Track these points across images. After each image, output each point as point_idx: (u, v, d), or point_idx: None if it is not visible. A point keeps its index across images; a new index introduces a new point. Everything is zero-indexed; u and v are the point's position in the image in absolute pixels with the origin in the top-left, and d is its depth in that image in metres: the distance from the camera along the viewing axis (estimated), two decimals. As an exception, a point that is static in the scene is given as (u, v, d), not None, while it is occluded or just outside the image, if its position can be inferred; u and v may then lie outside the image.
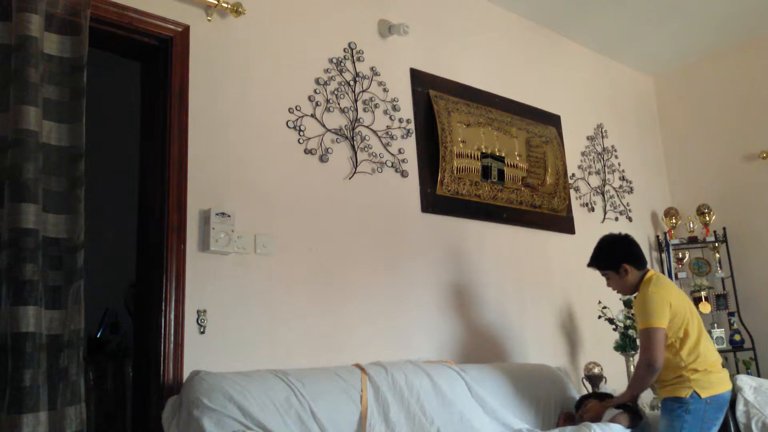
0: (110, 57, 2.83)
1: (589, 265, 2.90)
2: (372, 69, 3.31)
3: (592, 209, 4.40)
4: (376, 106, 3.27)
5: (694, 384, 2.57)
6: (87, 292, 2.09)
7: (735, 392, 3.31)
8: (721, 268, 4.65)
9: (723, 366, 2.72)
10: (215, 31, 2.79)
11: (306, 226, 2.88)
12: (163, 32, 2.64)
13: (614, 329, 3.77)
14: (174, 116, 2.59)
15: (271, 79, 2.93)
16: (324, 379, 2.48)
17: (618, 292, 2.88)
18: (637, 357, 3.71)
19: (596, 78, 4.82)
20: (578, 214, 4.27)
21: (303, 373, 2.46)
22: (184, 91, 2.63)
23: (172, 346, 2.40)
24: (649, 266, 2.86)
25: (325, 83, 3.10)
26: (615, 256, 2.80)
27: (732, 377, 3.10)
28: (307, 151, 2.96)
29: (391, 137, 3.30)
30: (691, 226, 4.79)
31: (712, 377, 2.61)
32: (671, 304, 2.63)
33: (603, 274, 2.87)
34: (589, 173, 4.48)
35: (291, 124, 2.94)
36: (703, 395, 2.56)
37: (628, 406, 2.77)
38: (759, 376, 4.22)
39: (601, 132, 4.68)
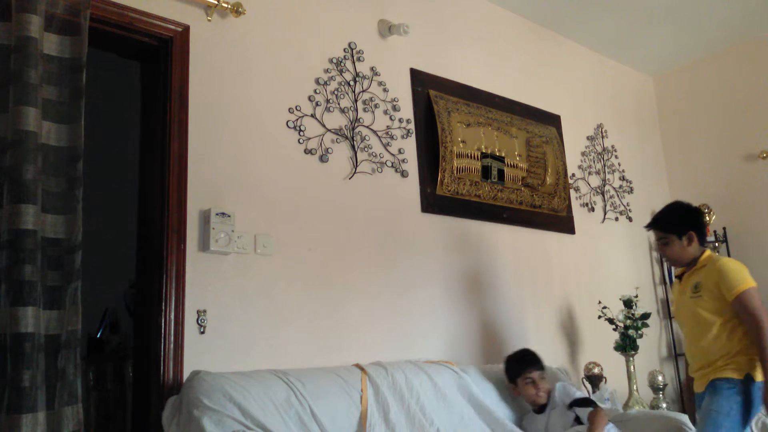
0: (110, 57, 2.83)
1: (650, 225, 2.76)
2: (372, 69, 3.31)
3: (592, 209, 4.40)
4: (376, 106, 3.27)
5: (750, 366, 2.48)
6: (87, 292, 2.09)
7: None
8: (721, 268, 4.64)
9: None
10: (215, 31, 2.79)
11: (306, 226, 2.88)
12: (163, 32, 2.64)
13: (614, 329, 3.77)
14: (174, 116, 2.59)
15: (271, 79, 2.93)
16: (324, 379, 2.48)
17: (670, 260, 2.74)
18: (636, 357, 3.73)
19: (596, 78, 4.82)
20: (578, 214, 4.27)
21: (303, 373, 2.46)
22: (184, 91, 2.63)
23: (172, 346, 2.39)
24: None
25: (325, 83, 3.10)
26: (685, 221, 2.67)
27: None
28: (307, 151, 2.96)
29: (391, 137, 3.30)
30: (691, 226, 4.78)
31: (758, 364, 2.51)
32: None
33: (661, 238, 2.71)
34: (589, 173, 4.48)
35: (291, 124, 2.94)
36: (757, 379, 2.48)
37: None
38: (759, 376, 4.21)
39: (601, 132, 4.68)
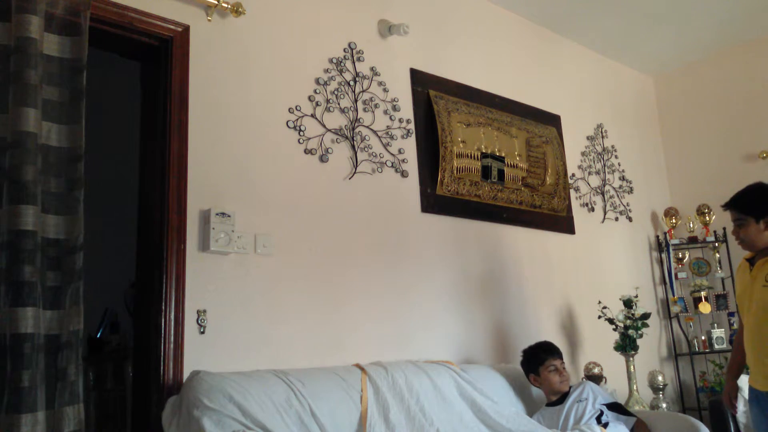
0: (110, 57, 2.83)
1: (729, 204, 2.60)
2: (372, 69, 3.31)
3: (592, 209, 4.40)
4: (376, 106, 3.27)
5: None
6: (87, 292, 2.09)
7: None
8: (721, 268, 4.65)
9: None
10: (215, 31, 2.79)
11: (306, 226, 2.88)
12: (163, 32, 2.64)
13: (614, 329, 3.77)
14: (174, 116, 2.59)
15: (271, 79, 2.93)
16: (324, 379, 2.48)
17: (743, 243, 2.57)
18: (636, 357, 3.73)
19: (596, 78, 4.82)
20: (578, 214, 4.27)
21: (303, 373, 2.46)
22: (184, 91, 2.63)
23: (172, 346, 2.39)
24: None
25: (325, 83, 3.10)
26: (766, 204, 2.51)
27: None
28: (307, 151, 2.96)
29: (391, 137, 3.30)
30: (691, 226, 4.79)
31: None
32: None
33: (737, 219, 2.56)
34: (589, 173, 4.48)
35: (291, 124, 2.94)
36: None
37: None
38: (759, 376, 4.21)
39: (601, 132, 4.68)
